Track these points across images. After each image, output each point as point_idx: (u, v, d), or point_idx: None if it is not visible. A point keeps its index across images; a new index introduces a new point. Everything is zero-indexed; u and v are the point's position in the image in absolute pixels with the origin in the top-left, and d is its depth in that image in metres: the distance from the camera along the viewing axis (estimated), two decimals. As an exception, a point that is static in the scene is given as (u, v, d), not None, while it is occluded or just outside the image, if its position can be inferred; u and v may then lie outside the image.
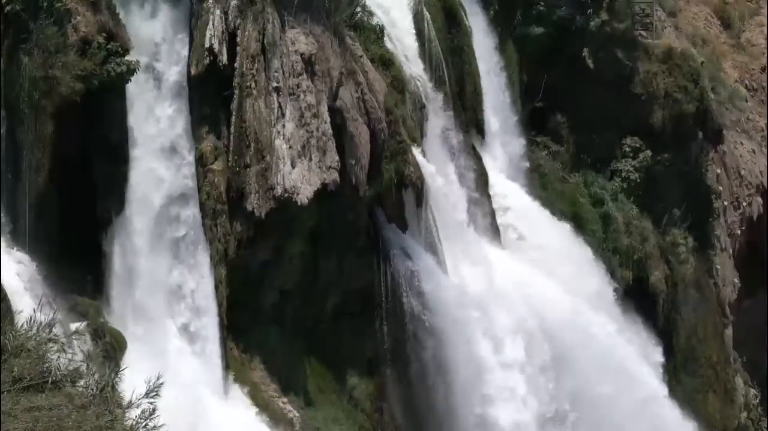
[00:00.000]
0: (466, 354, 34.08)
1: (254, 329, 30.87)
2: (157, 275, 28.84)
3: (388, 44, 35.38)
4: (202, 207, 29.48)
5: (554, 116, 42.98)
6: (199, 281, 29.36)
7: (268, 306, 31.27)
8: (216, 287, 29.52)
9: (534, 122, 42.58)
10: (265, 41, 30.01)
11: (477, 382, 34.24)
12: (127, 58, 27.46)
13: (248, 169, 29.66)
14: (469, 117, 39.03)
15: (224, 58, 29.46)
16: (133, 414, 12.82)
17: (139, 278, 28.49)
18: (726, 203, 47.25)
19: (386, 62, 34.65)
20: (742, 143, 48.93)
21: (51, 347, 13.06)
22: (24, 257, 26.40)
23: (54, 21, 26.80)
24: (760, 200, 49.08)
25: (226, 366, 29.67)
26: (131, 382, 13.56)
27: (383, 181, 32.87)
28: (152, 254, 28.76)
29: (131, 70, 27.51)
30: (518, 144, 41.75)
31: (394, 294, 33.13)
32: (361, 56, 33.02)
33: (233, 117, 29.70)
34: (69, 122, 27.02)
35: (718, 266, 46.47)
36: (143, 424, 12.67)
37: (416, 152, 34.28)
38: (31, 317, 13.24)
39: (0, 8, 26.48)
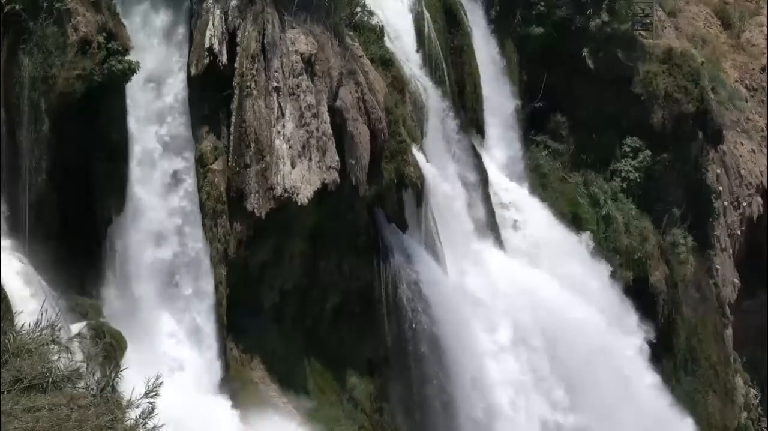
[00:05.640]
0: (467, 353, 34.07)
1: (254, 329, 30.86)
2: (157, 275, 28.84)
3: (388, 44, 35.38)
4: (202, 207, 29.47)
5: (554, 116, 42.99)
6: (199, 282, 29.36)
7: (268, 306, 31.27)
8: (216, 287, 29.52)
9: (534, 122, 42.58)
10: (265, 41, 30.01)
11: (476, 381, 34.24)
12: (126, 57, 27.44)
13: (248, 169, 29.66)
14: (469, 117, 39.04)
15: (224, 58, 29.46)
16: (133, 414, 12.82)
17: (139, 278, 28.48)
18: (726, 203, 47.27)
19: (386, 62, 34.65)
20: (742, 143, 48.96)
21: (52, 348, 13.07)
22: (24, 257, 26.37)
23: (54, 21, 26.77)
24: (760, 200, 49.11)
25: (226, 366, 29.66)
26: (131, 382, 13.56)
27: (383, 181, 32.87)
28: (152, 254, 28.75)
29: (131, 70, 27.50)
30: (518, 144, 41.76)
31: (394, 294, 33.12)
32: (361, 56, 33.02)
33: (233, 117, 29.70)
34: (69, 122, 27.01)
35: (718, 266, 46.49)
36: (143, 424, 12.68)
37: (416, 152, 34.28)
38: (37, 320, 13.25)
39: (0, 8, 26.46)
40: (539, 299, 36.89)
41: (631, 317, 40.81)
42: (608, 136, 43.45)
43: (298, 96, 30.40)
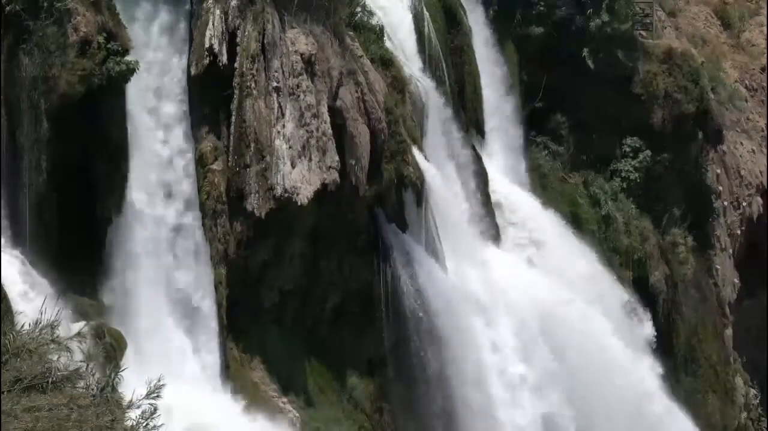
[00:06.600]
0: (466, 353, 34.06)
1: (254, 329, 30.86)
2: (157, 275, 28.82)
3: (388, 44, 35.37)
4: (202, 207, 29.47)
5: (554, 116, 42.98)
6: (199, 282, 29.35)
7: (268, 306, 31.26)
8: (216, 287, 29.50)
9: (534, 122, 42.57)
10: (265, 41, 30.00)
11: (477, 382, 34.22)
12: (126, 58, 27.44)
13: (248, 169, 29.66)
14: (469, 117, 39.03)
15: (224, 58, 29.46)
16: (134, 414, 12.82)
17: (139, 278, 28.47)
18: (726, 203, 47.27)
19: (386, 62, 34.64)
20: (742, 143, 48.95)
21: (53, 348, 13.07)
22: (24, 257, 26.37)
23: (54, 21, 26.78)
24: (760, 200, 49.10)
25: (226, 366, 29.66)
26: (131, 382, 13.55)
27: (383, 181, 32.87)
28: (152, 254, 28.74)
29: (131, 70, 27.49)
30: (518, 144, 41.75)
31: (394, 294, 33.11)
32: (361, 56, 33.02)
33: (233, 117, 29.70)
34: (69, 122, 27.00)
35: (718, 266, 46.48)
36: (144, 424, 12.68)
37: (416, 152, 34.27)
38: (36, 320, 13.25)
39: (0, 8, 26.47)
40: (539, 298, 36.88)
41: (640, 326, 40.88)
42: (608, 136, 43.45)
43: (298, 96, 30.40)
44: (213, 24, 29.37)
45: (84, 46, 27.05)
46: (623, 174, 43.48)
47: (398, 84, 34.87)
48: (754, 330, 48.32)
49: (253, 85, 29.72)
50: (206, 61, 29.30)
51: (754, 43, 52.13)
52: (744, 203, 48.34)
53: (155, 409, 12.69)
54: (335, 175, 30.67)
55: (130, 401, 12.79)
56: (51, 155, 26.85)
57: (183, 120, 29.44)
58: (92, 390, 13.06)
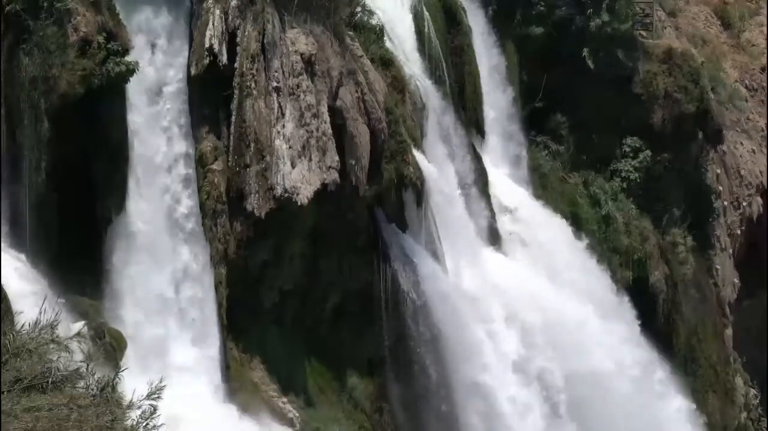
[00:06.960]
0: (466, 354, 34.07)
1: (254, 329, 30.86)
2: (157, 276, 28.83)
3: (388, 44, 35.39)
4: (202, 207, 29.47)
5: (554, 116, 42.98)
6: (199, 282, 29.35)
7: (268, 306, 31.26)
8: (216, 287, 29.51)
9: (534, 122, 42.57)
10: (265, 41, 30.01)
11: (477, 382, 34.23)
12: (126, 58, 27.44)
13: (248, 169, 29.66)
14: (469, 117, 39.04)
15: (224, 58, 29.46)
16: (134, 414, 12.82)
17: (139, 278, 28.47)
18: (726, 203, 47.28)
19: (386, 62, 34.66)
20: (742, 143, 48.97)
21: (52, 348, 13.07)
22: (24, 257, 26.38)
23: (54, 21, 26.79)
24: (760, 200, 49.12)
25: (226, 366, 29.66)
26: (131, 383, 13.56)
27: (383, 181, 32.87)
28: (152, 254, 28.74)
29: (130, 71, 27.50)
30: (518, 144, 41.76)
31: (394, 294, 33.11)
32: (361, 56, 33.03)
33: (233, 117, 29.70)
34: (69, 122, 27.01)
35: (718, 266, 46.50)
36: (144, 424, 12.68)
37: (416, 152, 34.28)
38: (36, 320, 13.25)
39: (0, 8, 26.48)
40: (538, 298, 36.88)
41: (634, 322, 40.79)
42: (608, 136, 43.46)
43: (298, 96, 30.40)
44: (213, 24, 29.38)
45: (84, 46, 27.06)
46: (623, 174, 43.49)
47: (398, 84, 34.88)
48: (754, 330, 48.34)
49: (253, 85, 29.73)
50: (206, 61, 29.30)
51: (754, 43, 52.14)
52: (744, 203, 48.37)
53: (155, 409, 12.70)
54: (335, 175, 30.68)
55: (131, 401, 12.79)
56: (51, 155, 26.85)
57: (183, 120, 29.45)
58: (92, 390, 13.06)
